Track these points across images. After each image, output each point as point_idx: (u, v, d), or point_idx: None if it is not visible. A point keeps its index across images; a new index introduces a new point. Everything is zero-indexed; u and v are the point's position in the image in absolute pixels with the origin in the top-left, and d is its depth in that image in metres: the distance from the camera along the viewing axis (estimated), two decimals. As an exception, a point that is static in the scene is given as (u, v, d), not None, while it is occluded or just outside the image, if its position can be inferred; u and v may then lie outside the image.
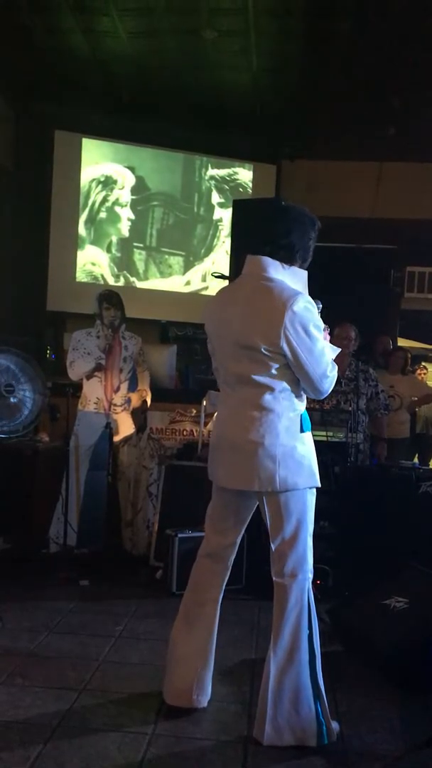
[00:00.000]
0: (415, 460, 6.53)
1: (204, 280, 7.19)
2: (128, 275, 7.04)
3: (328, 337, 2.79)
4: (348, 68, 6.67)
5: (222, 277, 6.59)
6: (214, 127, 7.88)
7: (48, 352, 7.56)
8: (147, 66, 6.95)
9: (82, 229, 6.91)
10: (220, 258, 7.07)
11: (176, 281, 7.06)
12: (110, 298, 5.06)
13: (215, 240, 7.26)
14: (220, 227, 7.36)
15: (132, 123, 7.96)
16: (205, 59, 6.78)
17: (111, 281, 7.06)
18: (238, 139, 8.20)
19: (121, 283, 7.06)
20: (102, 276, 7.01)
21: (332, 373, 2.65)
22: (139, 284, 6.96)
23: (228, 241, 7.29)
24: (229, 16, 6.05)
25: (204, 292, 7.44)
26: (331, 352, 2.70)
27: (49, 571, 4.50)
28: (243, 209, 5.26)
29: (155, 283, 7.03)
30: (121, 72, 7.09)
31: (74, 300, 7.55)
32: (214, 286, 7.31)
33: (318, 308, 2.75)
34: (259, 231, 2.77)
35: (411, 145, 7.89)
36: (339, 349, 2.80)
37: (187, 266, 7.25)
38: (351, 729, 2.70)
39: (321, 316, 2.69)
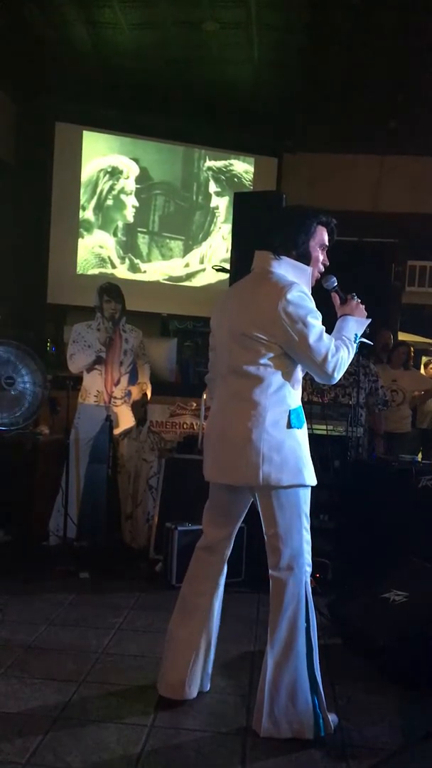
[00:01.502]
0: (419, 455, 6.54)
1: (201, 262, 7.74)
2: (132, 257, 7.59)
3: (359, 304, 2.77)
4: (350, 61, 6.64)
5: (223, 270, 6.60)
6: (215, 119, 7.87)
7: (48, 345, 7.57)
8: (148, 58, 6.92)
9: (90, 216, 7.49)
10: (216, 242, 7.67)
11: (176, 263, 7.61)
12: (110, 291, 5.05)
13: (212, 226, 7.84)
14: (216, 214, 7.96)
15: (133, 115, 7.95)
16: (207, 51, 6.75)
17: (117, 263, 7.57)
18: (240, 132, 8.19)
19: (126, 264, 7.58)
20: (109, 258, 7.54)
21: (337, 356, 2.58)
22: (143, 266, 7.54)
23: (224, 227, 7.75)
24: (230, 8, 6.02)
25: (201, 275, 7.86)
26: (355, 325, 2.70)
27: (49, 564, 4.52)
28: (244, 202, 5.24)
29: (157, 265, 7.55)
30: (123, 64, 7.06)
31: (75, 293, 7.58)
32: (211, 268, 7.73)
33: (333, 285, 2.76)
34: (259, 224, 2.78)
35: (413, 138, 7.86)
36: (369, 320, 2.77)
37: (186, 249, 7.81)
38: (349, 722, 2.71)
39: (336, 291, 2.76)
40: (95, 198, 7.67)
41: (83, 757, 2.40)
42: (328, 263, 2.78)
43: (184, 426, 5.54)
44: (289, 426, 2.61)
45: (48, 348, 7.52)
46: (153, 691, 2.83)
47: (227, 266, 7.12)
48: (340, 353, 2.61)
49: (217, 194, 8.24)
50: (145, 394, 5.19)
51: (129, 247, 7.70)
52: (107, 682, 2.97)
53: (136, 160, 8.12)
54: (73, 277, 8.04)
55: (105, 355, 4.95)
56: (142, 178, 8.13)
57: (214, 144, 8.37)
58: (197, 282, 8.01)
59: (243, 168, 8.39)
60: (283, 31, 6.32)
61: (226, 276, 5.94)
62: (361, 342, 2.75)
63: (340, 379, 2.72)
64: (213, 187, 8.26)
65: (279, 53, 6.72)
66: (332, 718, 2.63)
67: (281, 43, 6.52)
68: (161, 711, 2.73)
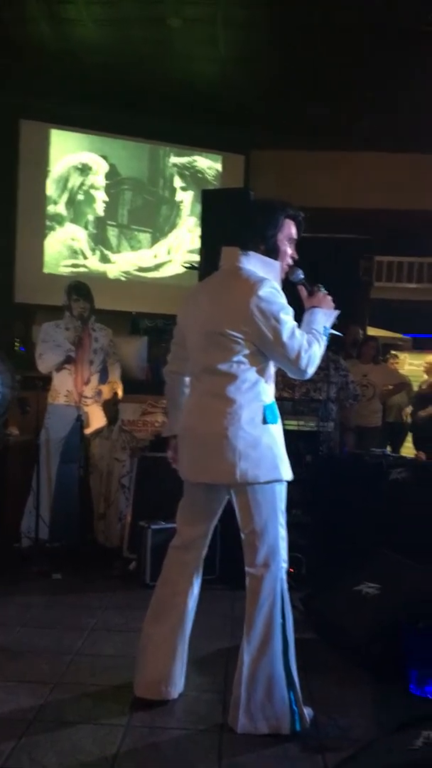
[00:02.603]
0: (388, 448, 6.60)
1: (169, 253, 8.20)
2: (103, 249, 7.99)
3: (326, 295, 2.77)
4: (316, 58, 6.67)
5: (192, 267, 6.59)
6: (182, 116, 7.88)
7: (17, 344, 7.49)
8: (114, 55, 6.89)
9: (62, 210, 7.89)
10: (182, 234, 8.21)
11: (145, 254, 8.08)
12: (79, 289, 5.02)
13: (178, 219, 8.36)
14: (182, 208, 8.46)
15: (100, 113, 7.94)
16: (173, 48, 6.74)
17: (89, 254, 7.92)
18: (207, 129, 8.20)
19: (97, 256, 7.96)
20: (81, 250, 7.91)
21: (310, 351, 2.59)
22: (113, 257, 7.95)
23: (189, 220, 8.26)
24: (195, 4, 6.02)
25: (169, 266, 8.27)
26: (324, 317, 2.70)
27: (22, 566, 4.47)
28: (211, 199, 5.24)
29: (127, 256, 7.99)
30: (88, 61, 7.01)
31: (43, 292, 7.55)
32: (178, 259, 8.18)
33: (299, 278, 2.76)
34: (227, 221, 2.78)
35: (381, 135, 7.93)
36: (337, 312, 2.77)
37: (154, 241, 8.29)
38: (325, 715, 2.72)
39: (302, 283, 2.75)
40: (66, 193, 8.03)
41: (59, 759, 2.38)
42: (296, 257, 2.77)
43: (156, 424, 5.51)
44: (265, 422, 2.61)
45: (17, 348, 7.45)
46: (129, 691, 2.82)
47: (194, 258, 7.33)
48: (312, 348, 2.61)
49: (182, 189, 8.69)
50: (116, 393, 5.16)
51: (99, 240, 8.04)
52: (82, 683, 2.95)
53: (105, 157, 8.45)
54: (41, 276, 8.01)
55: (74, 354, 4.92)
56: (111, 174, 8.46)
57: (181, 141, 8.47)
58: (165, 272, 8.30)
59: (206, 164, 8.76)
60: (248, 27, 6.32)
61: (195, 273, 5.94)
62: (331, 333, 2.76)
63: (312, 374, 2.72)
64: (178, 182, 8.66)
65: (245, 49, 6.72)
66: (308, 712, 2.65)
67: (247, 39, 6.54)
68: (137, 711, 2.71)
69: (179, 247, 8.31)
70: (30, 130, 8.00)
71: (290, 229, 2.73)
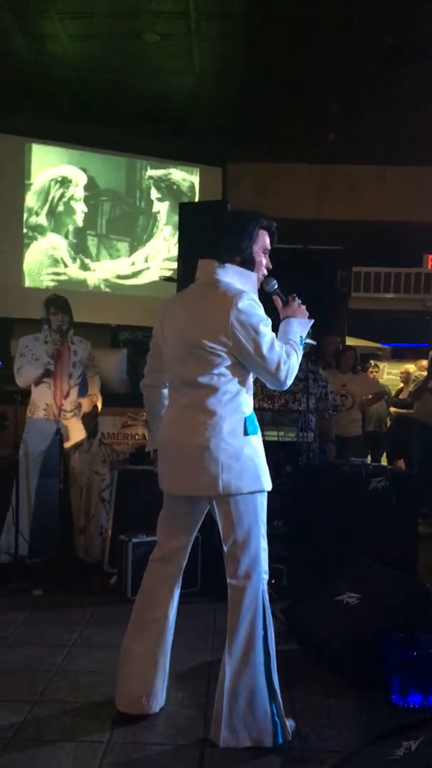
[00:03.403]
0: (368, 457, 6.63)
1: (146, 261, 8.52)
2: (83, 257, 8.26)
3: (300, 305, 2.79)
4: (289, 72, 6.74)
5: (170, 279, 6.61)
6: (159, 130, 7.93)
7: (-6, 359, 7.45)
8: (90, 70, 6.91)
9: (43, 221, 8.16)
10: (159, 243, 8.55)
11: (123, 262, 8.40)
12: (57, 302, 5.00)
13: (155, 228, 8.70)
14: (158, 218, 8.82)
15: (77, 127, 7.96)
16: (148, 63, 6.77)
17: (69, 262, 8.20)
18: (184, 142, 8.27)
19: (78, 264, 8.22)
20: (62, 258, 8.18)
21: (288, 362, 2.61)
22: (93, 265, 8.22)
23: (165, 229, 8.60)
24: (170, 20, 6.06)
25: (146, 273, 8.57)
26: (299, 327, 2.72)
27: (1, 582, 4.42)
28: (189, 212, 5.26)
29: (106, 264, 8.28)
30: (64, 76, 7.03)
31: (21, 306, 7.55)
32: (155, 267, 8.50)
33: (274, 288, 2.78)
34: (204, 234, 2.78)
35: (355, 148, 8.02)
36: (311, 321, 2.79)
37: (132, 250, 8.59)
38: (307, 726, 2.71)
39: (277, 293, 2.78)
40: (47, 204, 8.33)
41: (39, 778, 2.35)
42: (271, 267, 2.79)
43: (136, 437, 5.49)
44: (246, 433, 2.62)
45: (-6, 362, 7.40)
46: (110, 708, 2.79)
47: (171, 266, 7.48)
48: (291, 359, 2.63)
49: (158, 200, 9.01)
50: (95, 406, 5.13)
51: (80, 248, 8.32)
52: (62, 700, 2.92)
53: (84, 170, 8.72)
54: (19, 289, 8.00)
55: (53, 367, 4.89)
56: (90, 186, 8.73)
57: (158, 154, 8.59)
58: (143, 279, 8.58)
59: (181, 176, 9.07)
60: (222, 42, 6.38)
61: (173, 285, 5.96)
62: (306, 343, 2.78)
63: (290, 385, 2.73)
64: (154, 194, 8.98)
65: (219, 63, 6.78)
66: (290, 723, 2.64)
67: (221, 53, 6.59)
68: (118, 727, 2.69)
69: (156, 256, 8.63)
70: (6, 143, 8.02)
71: (264, 239, 2.75)
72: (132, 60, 6.72)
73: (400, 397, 8.22)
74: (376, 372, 9.73)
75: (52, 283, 8.15)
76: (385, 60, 6.33)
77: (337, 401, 5.59)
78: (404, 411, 7.91)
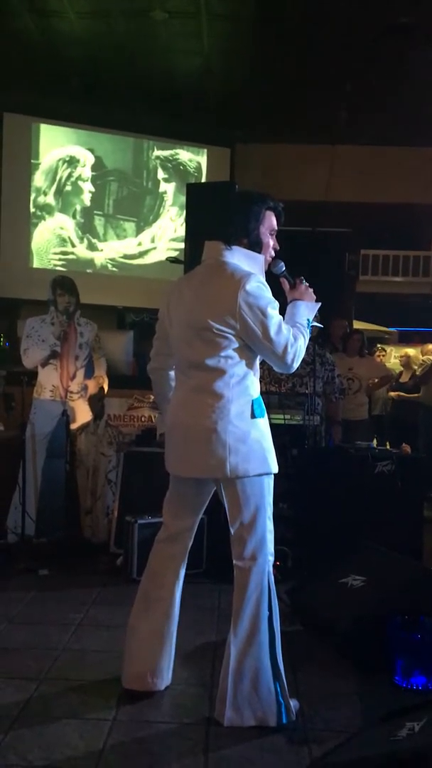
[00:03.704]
0: (374, 441, 6.63)
1: (153, 241, 8.57)
2: (90, 237, 8.32)
3: (307, 288, 2.77)
4: (300, 52, 6.67)
5: (177, 261, 6.58)
6: (167, 110, 7.86)
7: (1, 339, 7.46)
8: (97, 49, 6.85)
9: (51, 200, 8.20)
10: (165, 223, 8.60)
11: (130, 242, 8.46)
12: (63, 283, 5.00)
13: (161, 209, 8.73)
14: (165, 198, 8.84)
15: (84, 106, 7.90)
16: (157, 41, 6.71)
17: (77, 242, 8.26)
18: (192, 123, 8.21)
19: (85, 244, 8.28)
20: (69, 238, 8.24)
21: (296, 345, 2.60)
22: (100, 245, 8.30)
23: (172, 210, 8.65)
24: (179, -3, 5.99)
25: (153, 253, 8.61)
26: (306, 310, 2.71)
27: (8, 562, 4.45)
28: (197, 193, 5.23)
29: (113, 244, 8.35)
30: (71, 55, 6.97)
31: (27, 287, 7.54)
32: (162, 247, 8.50)
33: (281, 270, 2.76)
34: (212, 215, 2.77)
35: (364, 128, 7.94)
36: (318, 304, 2.78)
37: (139, 230, 8.63)
38: (311, 707, 2.73)
39: (284, 276, 2.76)
40: (55, 184, 8.36)
41: (45, 754, 2.38)
42: (278, 248, 2.77)
43: (142, 419, 5.51)
44: (253, 416, 2.62)
45: (1, 343, 7.41)
46: (115, 686, 2.82)
47: (177, 246, 7.75)
48: (298, 342, 2.62)
49: (165, 180, 9.02)
50: (102, 388, 5.14)
51: (87, 228, 8.37)
52: (68, 678, 2.94)
53: (91, 150, 8.71)
54: (25, 270, 7.99)
55: (60, 349, 4.89)
56: (97, 166, 8.74)
57: (166, 134, 8.50)
58: (149, 259, 8.61)
59: (188, 157, 9.06)
60: (232, 20, 6.31)
61: (181, 267, 5.93)
62: (313, 325, 2.77)
63: (298, 369, 2.73)
64: (161, 174, 8.98)
65: (229, 43, 6.71)
66: (294, 704, 2.66)
67: (231, 32, 6.52)
68: (123, 705, 2.71)
69: (163, 236, 8.67)
70: (14, 123, 7.97)
71: (271, 220, 2.73)
72: (140, 38, 6.65)
73: (401, 381, 8.20)
74: (383, 356, 9.70)
75: (60, 263, 8.16)
76: (399, 39, 6.25)
77: (343, 385, 5.59)
78: (408, 395, 7.89)
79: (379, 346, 9.98)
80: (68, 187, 8.46)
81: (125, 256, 8.58)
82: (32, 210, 8.15)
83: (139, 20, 6.31)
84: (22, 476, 4.74)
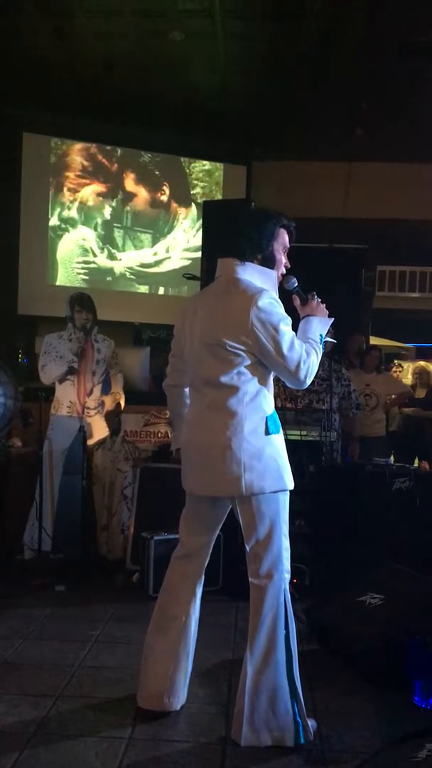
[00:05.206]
0: (392, 458, 6.58)
1: (167, 251, 9.00)
2: (110, 248, 8.77)
3: (320, 303, 2.78)
4: (316, 69, 6.70)
5: (193, 277, 6.61)
6: (183, 128, 7.93)
7: (20, 356, 7.52)
8: (115, 68, 6.92)
9: (74, 214, 8.66)
10: (179, 235, 9.04)
11: (146, 252, 8.94)
12: (81, 300, 5.03)
13: (175, 221, 9.13)
14: (179, 211, 9.21)
15: (101, 125, 7.99)
16: (174, 61, 6.77)
17: (98, 252, 8.73)
18: (209, 140, 8.28)
19: (105, 254, 8.73)
20: (91, 248, 8.70)
21: (308, 361, 2.60)
22: (119, 254, 8.79)
23: (185, 222, 9.07)
24: (195, 18, 6.04)
25: (167, 262, 8.98)
26: (319, 325, 2.72)
27: (24, 578, 4.46)
28: (213, 210, 5.26)
29: (130, 254, 8.85)
30: (90, 75, 7.05)
31: (46, 303, 7.61)
32: (176, 256, 8.92)
33: (294, 286, 2.77)
34: (226, 232, 2.78)
35: (381, 144, 7.95)
36: (331, 319, 2.79)
37: (154, 241, 8.98)
38: (329, 727, 2.71)
39: (297, 292, 2.78)
40: (78, 200, 8.77)
41: (61, 772, 2.37)
42: (289, 266, 2.79)
43: (159, 435, 5.52)
44: (267, 432, 2.61)
45: (19, 359, 7.47)
46: (131, 704, 2.81)
47: (189, 255, 8.29)
48: (311, 358, 2.63)
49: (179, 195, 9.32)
50: (118, 404, 5.16)
51: (107, 239, 8.76)
52: (85, 695, 2.94)
53: None
54: (43, 287, 8.07)
55: (77, 365, 4.92)
56: None
57: (181, 152, 8.63)
58: (164, 267, 8.99)
59: (204, 173, 9.32)
60: (248, 39, 6.36)
61: (197, 283, 5.97)
62: (326, 341, 2.78)
63: (314, 385, 2.75)
64: (176, 189, 9.24)
65: (245, 62, 6.75)
66: (311, 724, 2.63)
67: (247, 51, 6.56)
68: (140, 723, 2.70)
69: (176, 246, 9.07)
70: (33, 142, 8.08)
71: (284, 237, 2.76)
72: (157, 58, 6.72)
73: (417, 396, 8.11)
74: (400, 372, 9.64)
75: (83, 271, 8.45)
76: (414, 57, 6.27)
77: (359, 400, 5.57)
78: (425, 413, 7.78)
79: (396, 362, 9.93)
80: (90, 203, 8.78)
81: (142, 265, 9.06)
82: (57, 223, 8.39)
83: (156, 41, 6.38)
84: (39, 492, 4.76)
